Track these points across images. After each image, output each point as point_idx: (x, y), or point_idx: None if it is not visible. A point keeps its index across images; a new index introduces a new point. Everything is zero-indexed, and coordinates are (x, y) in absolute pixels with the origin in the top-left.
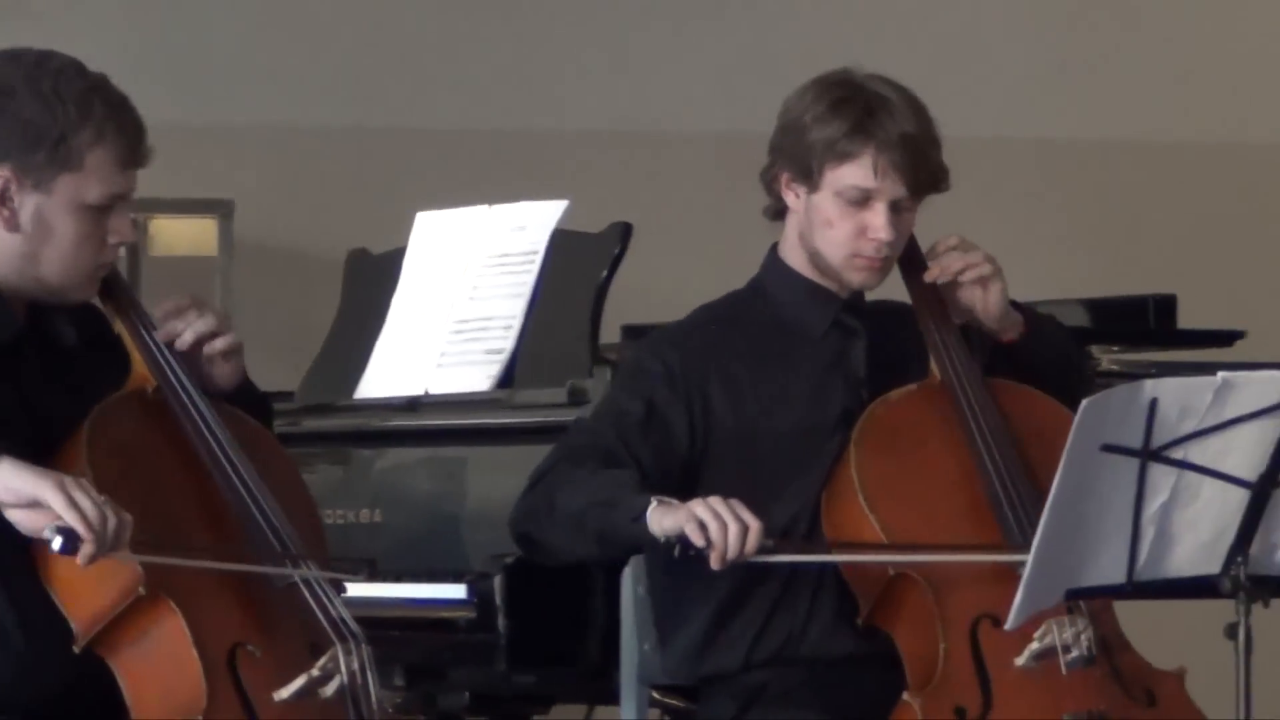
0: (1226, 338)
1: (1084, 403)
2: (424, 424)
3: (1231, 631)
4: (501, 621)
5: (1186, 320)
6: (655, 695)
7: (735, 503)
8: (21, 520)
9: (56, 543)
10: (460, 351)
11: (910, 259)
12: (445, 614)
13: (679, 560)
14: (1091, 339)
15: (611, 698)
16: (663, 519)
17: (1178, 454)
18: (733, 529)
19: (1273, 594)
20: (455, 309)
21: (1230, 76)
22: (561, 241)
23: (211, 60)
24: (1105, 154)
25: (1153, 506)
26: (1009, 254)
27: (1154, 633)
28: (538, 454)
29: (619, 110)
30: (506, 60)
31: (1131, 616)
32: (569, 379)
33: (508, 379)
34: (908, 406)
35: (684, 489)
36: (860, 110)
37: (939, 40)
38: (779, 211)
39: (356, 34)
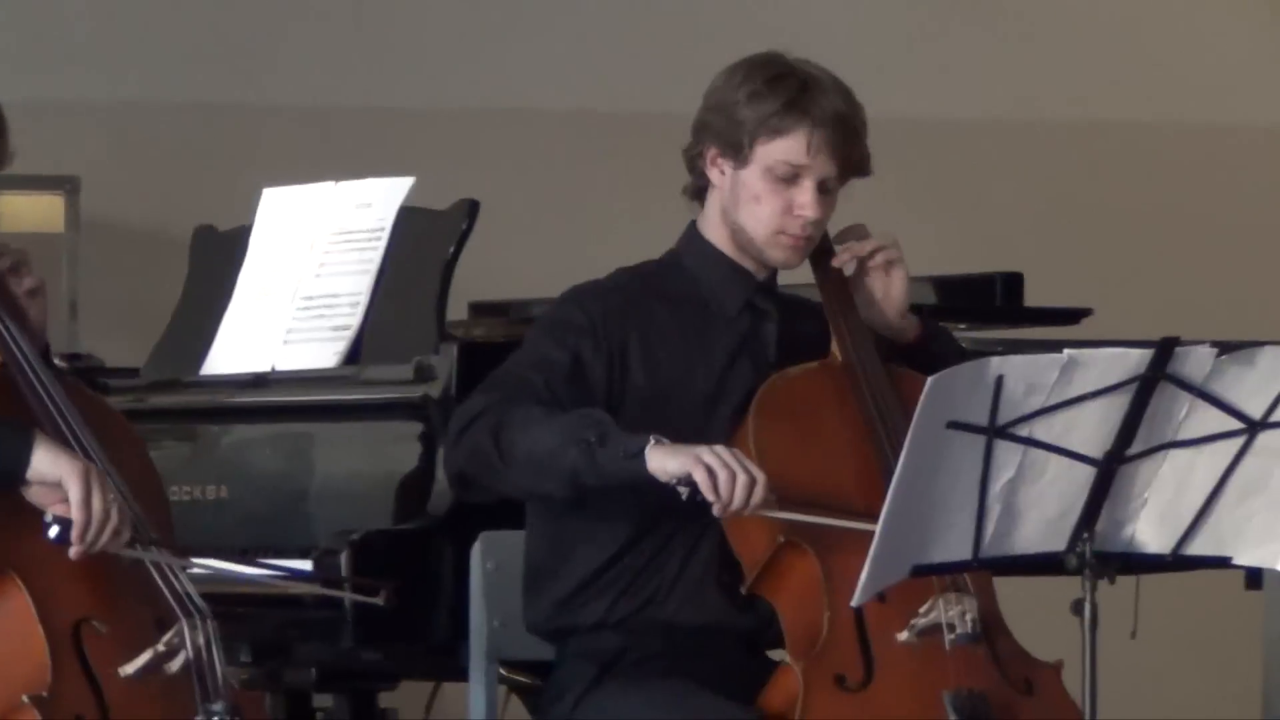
0: (1073, 315)
1: (930, 380)
2: (270, 400)
3: (1077, 608)
4: (348, 598)
5: (1033, 298)
6: (503, 672)
7: (739, 453)
8: (33, 496)
9: (53, 532)
10: (307, 328)
11: (819, 248)
12: (292, 590)
13: (686, 503)
14: (939, 316)
15: (459, 674)
16: (666, 460)
17: (1023, 431)
18: (741, 479)
19: (1118, 571)
20: (302, 285)
21: (1073, 54)
22: (408, 218)
23: (58, 36)
24: (952, 132)
25: (999, 483)
26: None
27: (1009, 609)
28: (384, 430)
29: (466, 87)
30: (353, 36)
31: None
32: (415, 356)
33: (354, 355)
34: (807, 382)
35: None
36: (795, 87)
37: (785, 19)
38: (700, 190)
39: (204, 9)
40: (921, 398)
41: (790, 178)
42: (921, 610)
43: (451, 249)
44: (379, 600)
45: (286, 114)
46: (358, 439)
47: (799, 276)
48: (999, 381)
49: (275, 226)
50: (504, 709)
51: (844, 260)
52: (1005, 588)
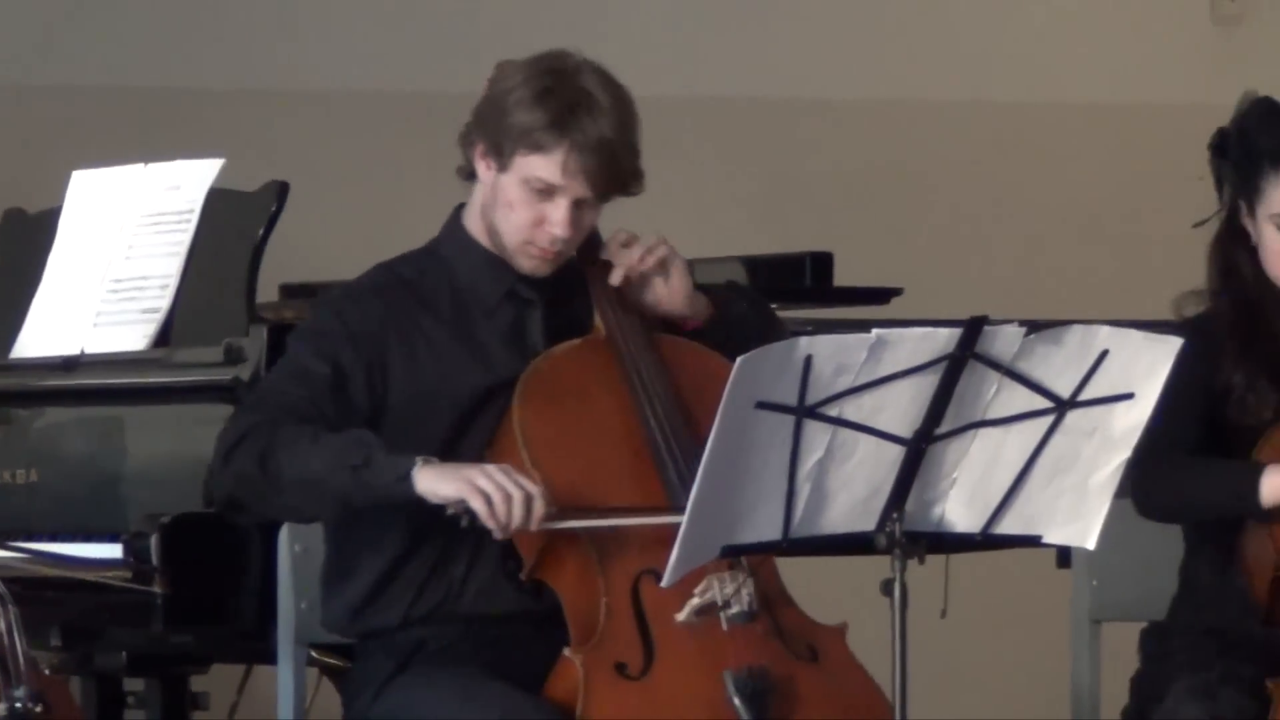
0: (883, 295)
1: (739, 360)
2: (80, 383)
3: (887, 588)
4: (121, 584)
5: (843, 278)
6: (314, 654)
7: (510, 469)
8: None
9: None
10: (116, 311)
11: (588, 246)
12: (101, 574)
13: (464, 528)
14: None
15: (270, 657)
16: (436, 484)
17: (833, 411)
18: (517, 498)
19: (928, 550)
20: (111, 268)
21: (882, 33)
22: (217, 200)
23: None
24: (762, 111)
25: (808, 463)
26: (666, 213)
27: (819, 589)
28: (195, 413)
29: (275, 68)
30: (162, 17)
31: (797, 574)
32: (225, 338)
33: (164, 338)
34: (571, 361)
35: None
36: (563, 106)
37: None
38: (472, 173)
39: None
40: (731, 377)
41: (546, 192)
42: (697, 590)
43: (261, 231)
44: (156, 588)
45: (96, 95)
46: (168, 422)
47: None
48: (808, 361)
49: (85, 209)
50: (316, 691)
51: (620, 278)
52: (814, 568)
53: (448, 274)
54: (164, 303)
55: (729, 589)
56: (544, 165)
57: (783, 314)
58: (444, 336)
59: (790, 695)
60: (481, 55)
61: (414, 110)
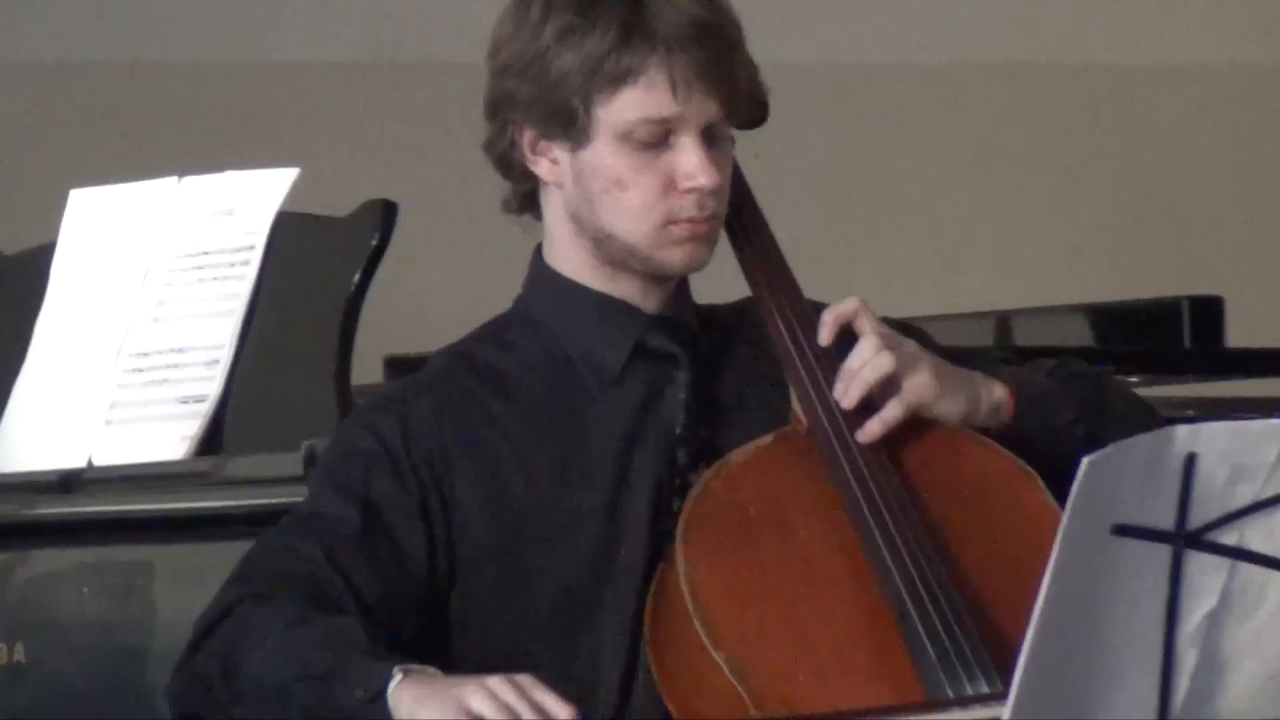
0: None
1: (1085, 461)
2: (85, 511)
3: None
4: None
5: (1238, 335)
6: None
7: (528, 681)
8: None
9: None
10: (140, 400)
11: (743, 226)
12: None
13: None
14: (1094, 362)
15: None
16: (416, 706)
17: (1229, 538)
18: None
19: None
20: (131, 336)
21: None
22: (290, 229)
23: None
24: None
25: (1194, 617)
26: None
27: None
28: None
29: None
30: None
31: None
32: (306, 439)
33: (213, 440)
34: (760, 472)
35: (433, 630)
36: (625, 6)
37: None
38: (527, 197)
39: None
40: (1073, 489)
41: (658, 140)
42: None
43: (358, 276)
44: None
45: (97, 70)
46: (219, 567)
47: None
48: (1190, 463)
49: (89, 246)
50: None
51: (828, 332)
52: None
53: (544, 341)
54: (212, 388)
55: None
56: (642, 98)
57: (1152, 392)
58: (541, 440)
59: None
60: None
61: None
